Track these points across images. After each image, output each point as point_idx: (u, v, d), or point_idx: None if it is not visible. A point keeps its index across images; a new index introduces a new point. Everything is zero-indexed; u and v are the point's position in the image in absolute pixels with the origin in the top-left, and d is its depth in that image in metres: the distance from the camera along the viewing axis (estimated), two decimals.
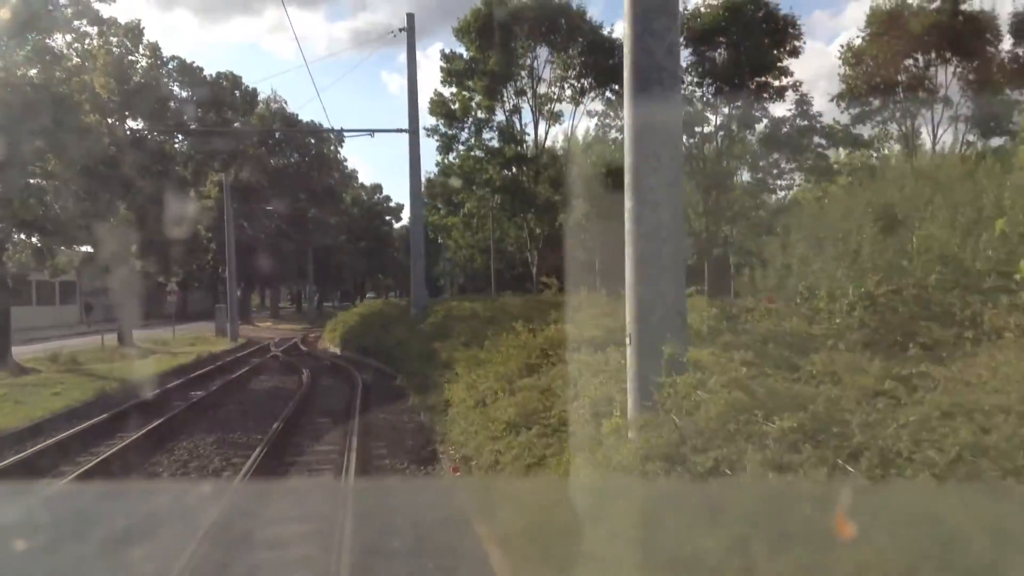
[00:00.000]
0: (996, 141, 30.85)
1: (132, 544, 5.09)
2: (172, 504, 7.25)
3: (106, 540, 5.01)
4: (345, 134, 41.14)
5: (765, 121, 32.11)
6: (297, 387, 19.13)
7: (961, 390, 3.63)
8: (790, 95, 32.14)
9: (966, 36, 31.02)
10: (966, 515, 2.64)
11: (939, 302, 5.54)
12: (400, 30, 25.03)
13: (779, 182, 35.10)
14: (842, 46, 33.40)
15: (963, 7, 32.08)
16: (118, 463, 10.75)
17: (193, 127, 31.36)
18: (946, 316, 5.24)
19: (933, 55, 32.19)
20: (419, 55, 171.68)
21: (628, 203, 5.74)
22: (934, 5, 32.07)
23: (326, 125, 58.40)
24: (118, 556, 4.76)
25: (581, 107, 37.12)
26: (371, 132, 27.81)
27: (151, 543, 5.20)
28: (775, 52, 31.48)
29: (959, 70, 31.99)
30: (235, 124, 32.80)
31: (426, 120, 40.14)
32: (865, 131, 33.15)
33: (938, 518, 2.71)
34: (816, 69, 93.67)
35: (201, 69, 32.22)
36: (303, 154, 57.21)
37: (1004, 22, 32.30)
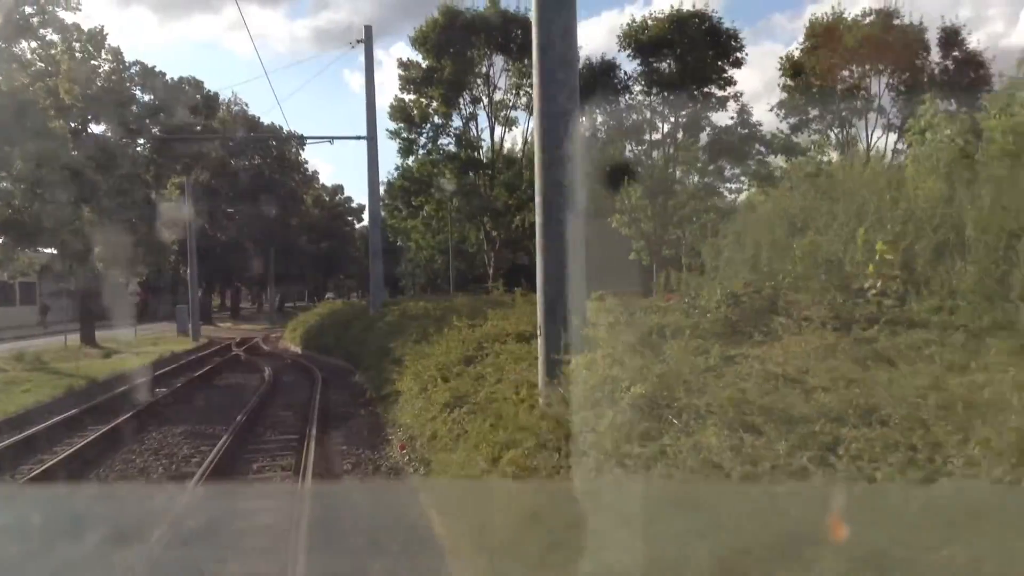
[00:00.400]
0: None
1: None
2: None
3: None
4: (308, 139, 41.82)
5: (708, 129, 33.71)
6: (260, 383, 19.93)
7: (762, 364, 4.90)
8: (731, 105, 33.81)
9: (897, 48, 32.96)
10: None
11: (787, 299, 6.84)
12: (358, 41, 25.98)
13: (730, 185, 36.72)
14: (781, 58, 35.24)
15: (895, 21, 34.08)
16: (95, 450, 11.67)
17: (156, 131, 32.00)
18: (788, 310, 6.53)
19: (867, 66, 34.12)
20: (382, 53, 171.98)
21: (538, 220, 6.97)
22: (868, 19, 34.01)
23: (286, 128, 58.97)
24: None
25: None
26: (331, 139, 29.17)
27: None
28: (719, 63, 33.09)
29: (891, 80, 33.96)
30: (197, 128, 33.44)
31: (389, 123, 41.06)
32: (804, 139, 34.93)
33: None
34: (774, 72, 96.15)
35: (164, 74, 32.84)
36: (264, 156, 57.80)
37: (933, 35, 34.40)
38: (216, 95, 38.90)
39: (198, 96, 34.52)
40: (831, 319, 6.15)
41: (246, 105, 56.46)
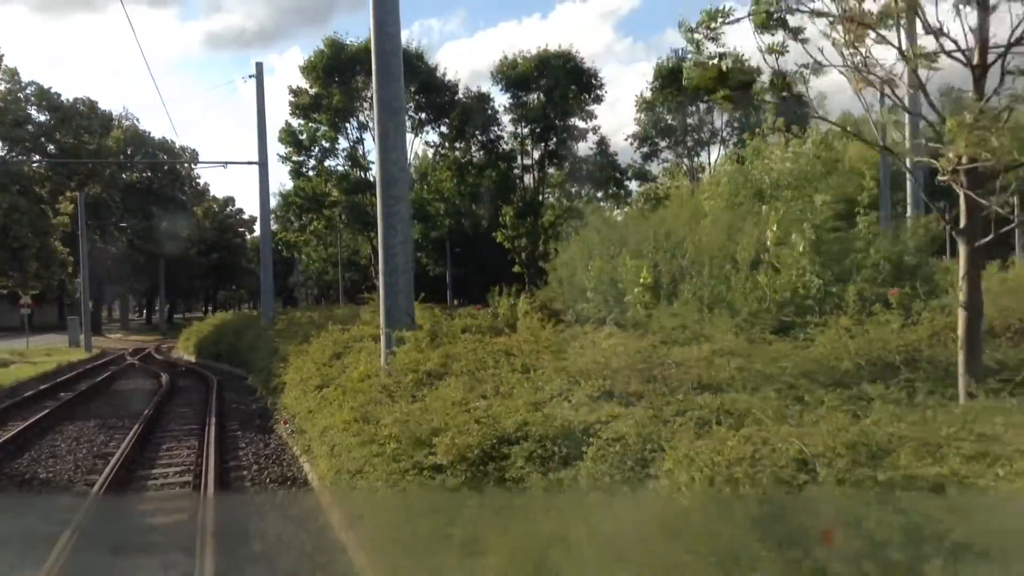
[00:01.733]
0: None
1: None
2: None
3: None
4: (200, 163, 43.56)
5: (570, 159, 37.72)
6: (158, 387, 21.94)
7: (504, 346, 8.16)
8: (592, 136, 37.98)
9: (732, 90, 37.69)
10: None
11: (553, 307, 10.17)
12: (251, 76, 28.28)
13: (603, 205, 40.78)
14: (636, 95, 39.63)
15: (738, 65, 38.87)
16: (22, 439, 13.82)
17: (51, 149, 33.40)
18: (548, 315, 9.86)
19: (710, 103, 38.79)
20: (276, 59, 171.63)
21: (380, 252, 10.09)
22: (713, 62, 38.64)
23: (178, 142, 60.03)
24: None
25: (419, 138, 41.46)
26: (224, 164, 31.02)
27: None
28: (581, 98, 37.12)
29: (730, 118, 38.74)
30: (91, 147, 34.93)
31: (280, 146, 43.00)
32: (656, 167, 39.46)
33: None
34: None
35: (59, 95, 34.29)
36: (155, 170, 58.68)
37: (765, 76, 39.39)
38: (110, 114, 40.28)
39: (92, 115, 35.98)
40: (574, 321, 9.52)
41: (137, 120, 57.43)
